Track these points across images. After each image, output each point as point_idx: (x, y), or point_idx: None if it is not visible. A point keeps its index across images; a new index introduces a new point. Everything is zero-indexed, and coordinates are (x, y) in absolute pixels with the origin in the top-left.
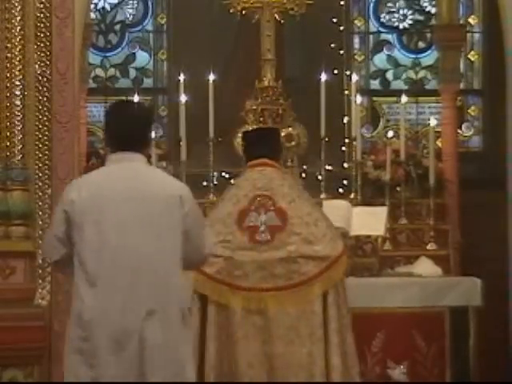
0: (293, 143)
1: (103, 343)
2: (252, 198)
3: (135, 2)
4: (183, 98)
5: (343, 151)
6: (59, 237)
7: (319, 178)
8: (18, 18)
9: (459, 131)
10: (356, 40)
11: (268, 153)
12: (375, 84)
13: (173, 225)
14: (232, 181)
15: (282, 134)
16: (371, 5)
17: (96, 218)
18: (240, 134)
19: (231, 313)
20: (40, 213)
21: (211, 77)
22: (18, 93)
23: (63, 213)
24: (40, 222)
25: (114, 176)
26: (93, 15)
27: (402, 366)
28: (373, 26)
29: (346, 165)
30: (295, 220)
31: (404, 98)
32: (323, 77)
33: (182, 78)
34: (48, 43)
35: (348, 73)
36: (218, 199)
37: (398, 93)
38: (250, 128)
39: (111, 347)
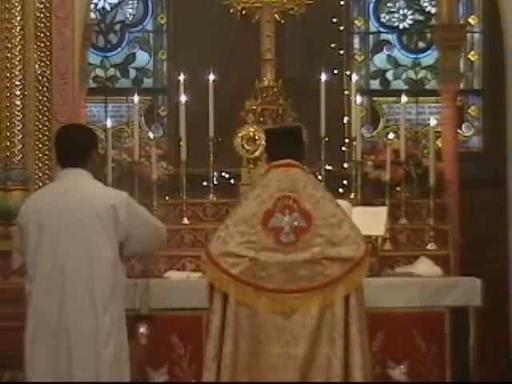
0: None
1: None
2: (277, 199)
3: (135, 1)
4: (183, 98)
5: (343, 151)
6: (17, 247)
7: (319, 178)
8: (18, 18)
9: (459, 131)
10: (356, 40)
11: (293, 153)
12: (375, 84)
13: (104, 230)
14: (232, 181)
15: None
16: (371, 5)
17: (38, 226)
18: (241, 133)
19: (254, 314)
20: None
21: (211, 77)
22: (18, 93)
23: (17, 224)
24: None
25: (56, 189)
26: (93, 15)
27: (402, 366)
28: (373, 26)
29: (345, 165)
30: (319, 221)
31: (404, 98)
32: (323, 77)
33: (181, 78)
34: (48, 43)
35: (348, 73)
36: (241, 198)
37: (398, 93)
38: (272, 126)
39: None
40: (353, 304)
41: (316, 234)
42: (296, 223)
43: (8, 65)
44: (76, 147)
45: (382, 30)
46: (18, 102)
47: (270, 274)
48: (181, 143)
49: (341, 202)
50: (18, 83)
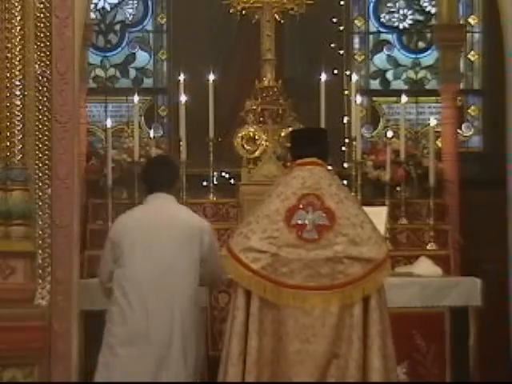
0: None
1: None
2: (300, 196)
3: (135, 1)
4: (183, 98)
5: (343, 151)
6: (108, 260)
7: None
8: (18, 18)
9: (459, 131)
10: (356, 40)
11: (317, 153)
12: (375, 84)
13: (190, 246)
14: (232, 181)
15: (282, 134)
16: (371, 5)
17: (131, 242)
18: (241, 133)
19: (275, 310)
20: (40, 213)
21: (211, 77)
22: (18, 93)
23: (110, 240)
24: (40, 222)
25: (147, 211)
26: (93, 15)
27: (401, 366)
28: (373, 25)
29: (346, 165)
30: (342, 220)
31: (404, 98)
32: (323, 77)
33: (181, 77)
34: (48, 43)
35: (348, 73)
36: (264, 196)
37: (398, 93)
38: (298, 128)
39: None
40: (373, 306)
41: (339, 233)
42: (319, 221)
43: (8, 65)
44: (166, 176)
45: (382, 29)
46: (18, 102)
47: (291, 270)
48: (181, 143)
49: None
50: (18, 83)
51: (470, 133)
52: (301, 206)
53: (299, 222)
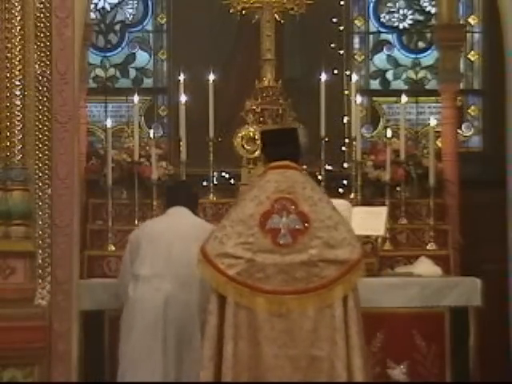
0: None
1: None
2: (274, 201)
3: (135, 1)
4: (183, 98)
5: (343, 151)
6: (128, 260)
7: (319, 178)
8: (18, 18)
9: (459, 131)
10: (356, 40)
11: (289, 154)
12: (375, 84)
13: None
14: (232, 181)
15: None
16: (371, 5)
17: (149, 241)
18: (241, 133)
19: (252, 315)
20: (40, 213)
21: (211, 77)
22: (17, 93)
23: (130, 243)
24: (40, 222)
25: (165, 219)
26: (93, 15)
27: (401, 366)
28: (373, 25)
29: (345, 165)
30: (317, 224)
31: (404, 98)
32: (323, 77)
33: (181, 78)
34: (48, 43)
35: (348, 73)
36: (239, 199)
37: (398, 93)
38: (267, 127)
39: None
40: (351, 306)
41: (313, 236)
42: (293, 225)
43: (8, 65)
44: (186, 195)
45: (382, 29)
46: (18, 102)
47: (267, 275)
48: (181, 143)
49: (341, 201)
50: (17, 83)
51: (470, 133)
52: (275, 211)
53: (273, 226)
